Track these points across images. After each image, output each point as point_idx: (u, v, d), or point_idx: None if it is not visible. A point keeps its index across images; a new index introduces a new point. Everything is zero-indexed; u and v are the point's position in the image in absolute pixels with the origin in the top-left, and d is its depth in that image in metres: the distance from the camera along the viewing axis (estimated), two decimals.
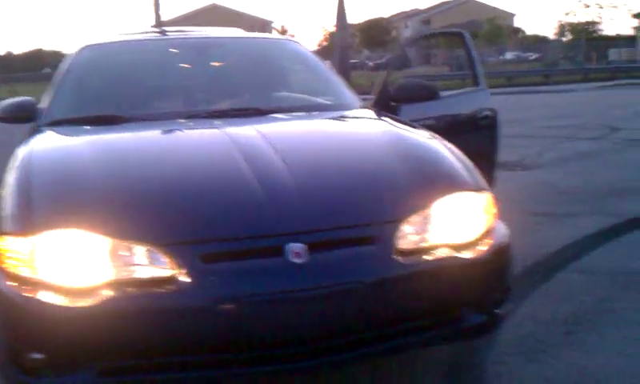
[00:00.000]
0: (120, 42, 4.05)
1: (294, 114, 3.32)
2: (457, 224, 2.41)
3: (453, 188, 2.46)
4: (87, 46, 3.84)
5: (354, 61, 66.90)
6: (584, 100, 18.77)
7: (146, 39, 4.13)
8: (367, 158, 2.66)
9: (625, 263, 4.08)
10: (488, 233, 2.47)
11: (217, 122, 3.03)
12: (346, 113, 3.41)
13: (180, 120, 3.13)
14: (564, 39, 50.66)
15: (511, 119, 13.24)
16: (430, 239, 2.34)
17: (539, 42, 58.77)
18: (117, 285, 2.07)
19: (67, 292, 2.07)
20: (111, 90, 3.51)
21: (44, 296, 2.07)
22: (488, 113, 4.57)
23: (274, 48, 4.19)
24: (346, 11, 24.18)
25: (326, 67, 3.91)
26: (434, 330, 2.34)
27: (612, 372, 2.74)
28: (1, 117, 3.40)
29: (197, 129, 3.03)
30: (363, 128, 3.11)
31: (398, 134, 2.95)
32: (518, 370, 2.80)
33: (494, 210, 2.57)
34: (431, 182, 2.48)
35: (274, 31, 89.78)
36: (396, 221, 2.27)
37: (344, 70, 29.67)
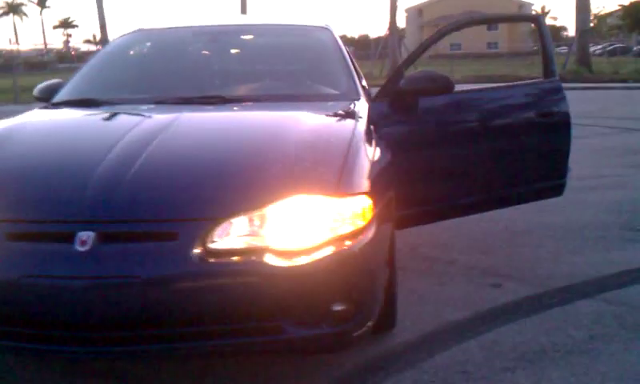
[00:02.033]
0: (157, 29, 4.28)
1: (259, 103, 3.30)
2: (293, 228, 2.23)
3: (297, 190, 2.28)
4: (126, 33, 4.15)
5: (621, 45, 61.59)
6: None
7: (179, 27, 4.32)
8: (240, 152, 2.57)
9: None
10: (335, 241, 2.25)
11: (167, 108, 3.13)
12: (318, 104, 3.29)
13: (142, 106, 3.27)
14: None
15: None
16: (255, 242, 2.20)
17: None
18: None
19: None
20: (114, 75, 3.76)
21: None
22: (554, 109, 4.04)
23: (297, 36, 4.12)
24: None
25: (343, 58, 3.75)
26: (244, 337, 2.21)
27: None
28: (37, 97, 3.84)
29: (132, 114, 3.13)
30: (292, 121, 2.92)
31: (303, 130, 2.75)
32: None
33: (358, 218, 2.32)
34: (276, 182, 2.31)
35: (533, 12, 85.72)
36: (206, 219, 2.18)
37: (583, 54, 27.70)
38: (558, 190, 4.17)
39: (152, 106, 3.26)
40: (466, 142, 3.85)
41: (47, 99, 3.71)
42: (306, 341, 2.26)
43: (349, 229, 2.30)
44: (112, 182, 2.29)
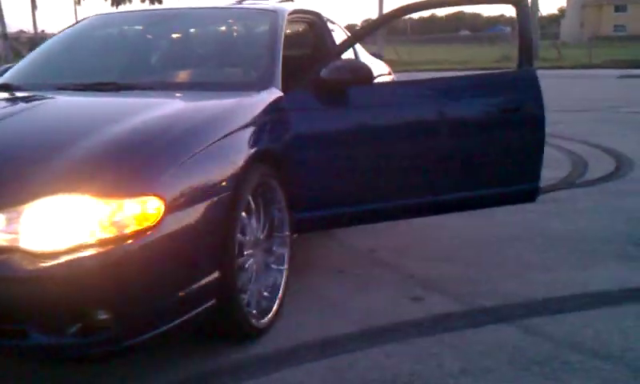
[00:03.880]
0: (109, 15, 4.30)
1: (148, 90, 3.22)
2: (48, 229, 2.11)
3: (60, 189, 2.15)
4: (86, 17, 4.18)
5: None
6: None
7: (127, 12, 4.30)
8: (28, 146, 2.47)
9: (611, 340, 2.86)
10: (94, 245, 2.10)
11: (56, 94, 3.16)
12: (206, 93, 3.15)
13: (42, 92, 3.26)
14: None
15: None
16: (6, 241, 2.10)
17: None
18: None
19: None
20: (47, 60, 3.80)
21: None
22: (524, 103, 3.58)
23: (236, 20, 3.95)
24: None
25: (272, 44, 3.52)
26: None
27: None
28: None
29: (9, 101, 3.15)
30: (133, 113, 2.72)
31: (134, 124, 2.57)
32: None
33: (133, 220, 2.17)
34: (42, 179, 2.19)
35: None
36: None
37: None
38: (529, 194, 3.72)
39: (49, 92, 3.24)
40: (404, 138, 3.50)
41: None
42: (50, 349, 2.14)
43: (117, 232, 2.14)
44: None
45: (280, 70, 3.38)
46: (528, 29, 3.69)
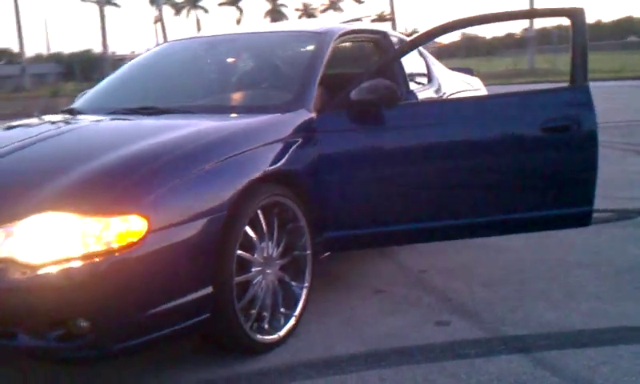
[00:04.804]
0: (174, 41, 4.56)
1: (182, 114, 3.42)
2: (38, 244, 2.35)
3: (49, 207, 2.40)
4: (160, 44, 4.50)
5: None
6: None
7: (186, 40, 4.56)
8: (38, 167, 2.74)
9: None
10: (76, 259, 2.32)
11: (104, 117, 3.49)
12: (236, 115, 3.32)
13: (96, 116, 3.57)
14: None
15: None
16: (3, 253, 2.36)
17: None
18: None
19: None
20: (113, 85, 4.13)
21: None
22: (575, 122, 3.41)
23: (282, 43, 4.06)
24: None
25: (312, 67, 3.60)
26: None
27: None
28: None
29: (55, 122, 3.47)
30: (161, 136, 2.91)
31: (139, 147, 2.75)
32: None
33: (116, 237, 2.36)
34: (35, 197, 2.45)
35: None
36: None
37: None
38: (581, 219, 3.53)
39: (100, 116, 3.54)
40: (438, 159, 3.45)
41: None
42: (35, 350, 2.38)
43: (100, 248, 2.34)
44: None
45: (314, 92, 3.43)
46: (584, 42, 3.48)
